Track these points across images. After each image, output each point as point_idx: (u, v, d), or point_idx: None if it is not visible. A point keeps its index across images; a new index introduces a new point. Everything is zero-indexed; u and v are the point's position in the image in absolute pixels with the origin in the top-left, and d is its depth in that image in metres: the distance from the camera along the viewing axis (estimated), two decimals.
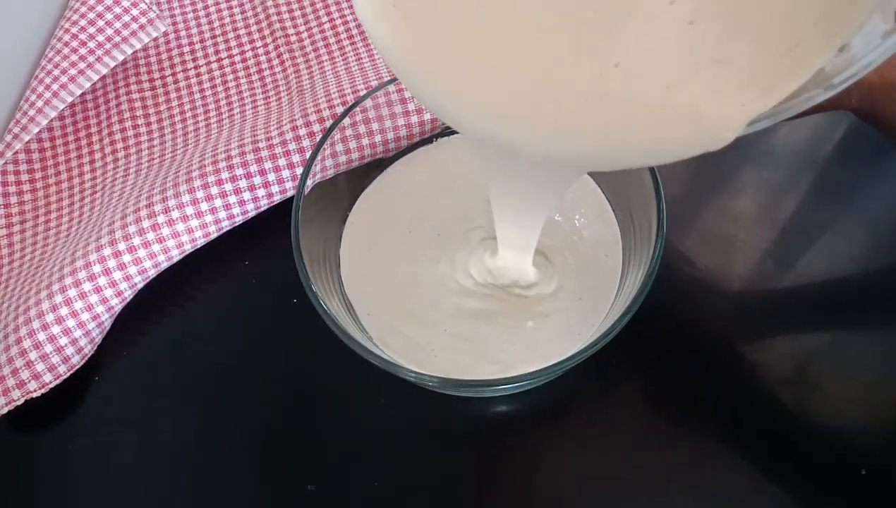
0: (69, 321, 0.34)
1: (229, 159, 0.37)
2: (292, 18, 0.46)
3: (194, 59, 0.45)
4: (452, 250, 0.34)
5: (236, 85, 0.44)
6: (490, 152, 0.24)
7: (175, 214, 0.36)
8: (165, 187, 0.37)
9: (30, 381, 0.33)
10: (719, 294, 0.36)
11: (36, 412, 0.34)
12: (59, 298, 0.34)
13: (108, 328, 0.36)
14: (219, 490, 0.33)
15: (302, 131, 0.38)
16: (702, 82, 0.18)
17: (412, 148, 0.38)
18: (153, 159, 0.41)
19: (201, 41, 0.46)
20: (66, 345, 0.34)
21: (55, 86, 0.40)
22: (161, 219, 0.36)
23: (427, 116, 0.37)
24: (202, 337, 0.37)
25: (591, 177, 0.35)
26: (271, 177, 0.37)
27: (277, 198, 0.38)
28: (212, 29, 0.47)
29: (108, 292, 0.35)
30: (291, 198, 0.33)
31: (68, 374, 0.34)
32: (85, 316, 0.34)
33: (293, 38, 0.45)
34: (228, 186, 0.37)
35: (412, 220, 0.35)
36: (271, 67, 0.45)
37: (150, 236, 0.36)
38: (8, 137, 0.40)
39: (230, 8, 0.48)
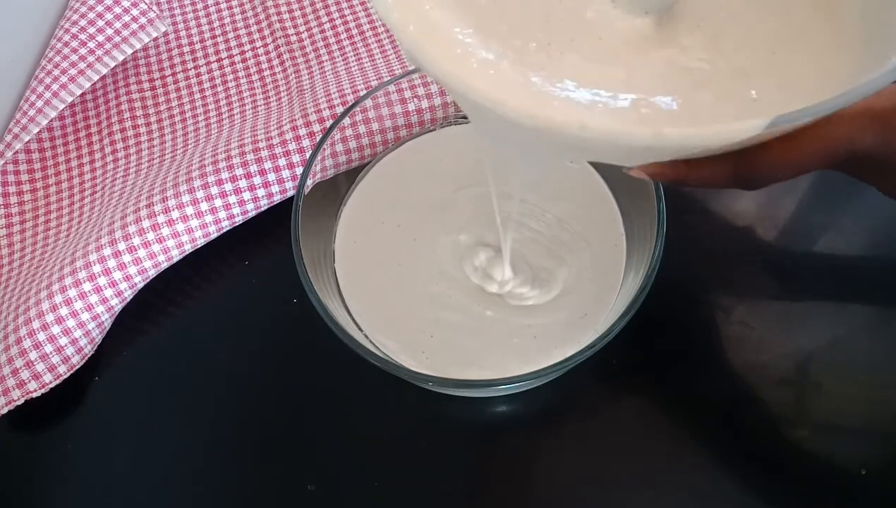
0: (69, 321, 0.34)
1: (229, 159, 0.37)
2: (292, 18, 0.46)
3: (194, 59, 0.45)
4: (441, 248, 0.34)
5: (236, 85, 0.44)
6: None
7: (175, 214, 0.36)
8: (165, 187, 0.37)
9: (30, 381, 0.33)
10: (719, 294, 0.36)
11: (36, 412, 0.34)
12: (59, 298, 0.34)
13: (108, 328, 0.36)
14: (219, 490, 0.33)
15: (302, 131, 0.38)
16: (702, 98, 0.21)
17: (406, 140, 0.38)
18: (153, 159, 0.41)
19: (201, 41, 0.46)
20: (66, 345, 0.34)
21: (55, 87, 0.40)
22: (161, 219, 0.36)
23: (427, 116, 0.37)
24: (202, 336, 0.37)
25: (603, 182, 0.35)
26: (271, 177, 0.37)
27: (277, 198, 0.38)
28: (212, 29, 0.47)
29: (108, 292, 0.35)
30: (291, 198, 0.33)
31: (68, 374, 0.34)
32: (85, 316, 0.34)
33: (293, 38, 0.45)
34: (228, 186, 0.37)
35: (402, 215, 0.35)
36: (271, 67, 0.45)
37: (150, 236, 0.36)
38: (8, 137, 0.40)
39: (230, 8, 0.48)
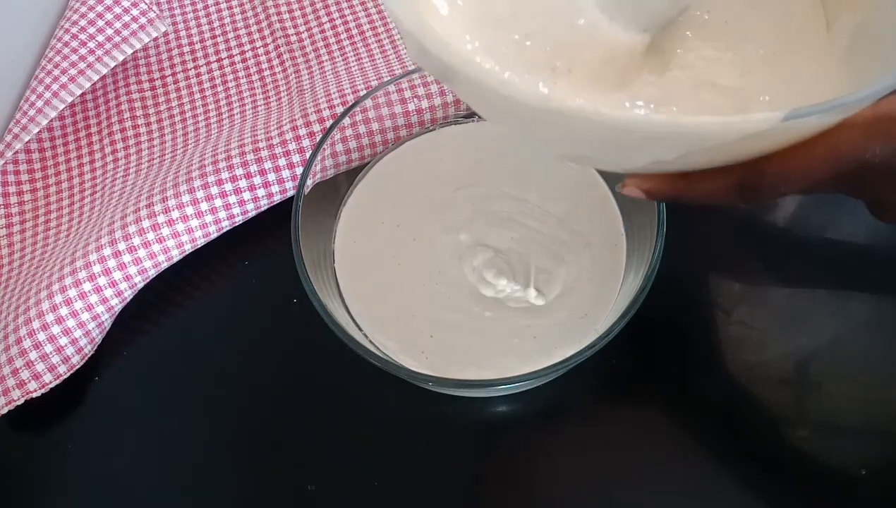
0: (69, 321, 0.34)
1: (229, 159, 0.37)
2: (292, 18, 0.46)
3: (194, 59, 0.45)
4: (441, 248, 0.34)
5: (236, 85, 0.44)
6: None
7: (175, 214, 0.36)
8: (165, 187, 0.37)
9: (30, 381, 0.33)
10: (719, 294, 0.36)
11: (36, 412, 0.34)
12: (59, 298, 0.34)
13: (107, 328, 0.36)
14: (219, 490, 0.33)
15: (302, 131, 0.38)
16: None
17: (405, 140, 0.38)
18: (153, 159, 0.41)
19: (201, 41, 0.46)
20: (66, 345, 0.34)
21: (55, 86, 0.40)
22: (161, 219, 0.36)
23: (427, 116, 0.37)
24: (202, 337, 0.37)
25: (603, 182, 0.35)
26: (271, 177, 0.37)
27: (277, 198, 0.38)
28: (212, 29, 0.47)
29: (108, 292, 0.35)
30: (291, 198, 0.33)
31: (68, 374, 0.34)
32: (85, 316, 0.34)
33: (293, 38, 0.45)
34: (228, 186, 0.37)
35: (402, 215, 0.35)
36: (271, 67, 0.45)
37: (150, 236, 0.36)
38: (8, 137, 0.40)
39: (230, 8, 0.48)
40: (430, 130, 0.38)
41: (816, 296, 0.36)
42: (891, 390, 0.33)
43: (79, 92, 0.40)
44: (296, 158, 0.38)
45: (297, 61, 0.44)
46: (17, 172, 0.41)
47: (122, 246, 0.35)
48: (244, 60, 0.45)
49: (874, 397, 0.32)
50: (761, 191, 0.21)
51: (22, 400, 0.33)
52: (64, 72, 0.40)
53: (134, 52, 0.42)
